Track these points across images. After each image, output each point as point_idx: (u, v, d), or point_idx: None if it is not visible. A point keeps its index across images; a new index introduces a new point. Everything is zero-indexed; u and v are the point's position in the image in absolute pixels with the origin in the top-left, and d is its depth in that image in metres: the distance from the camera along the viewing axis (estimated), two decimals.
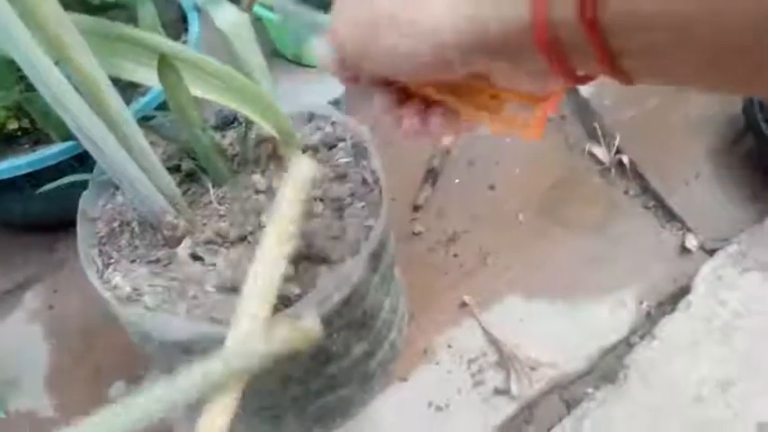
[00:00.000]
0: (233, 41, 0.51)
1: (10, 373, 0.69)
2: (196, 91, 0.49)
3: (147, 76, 0.48)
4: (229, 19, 0.51)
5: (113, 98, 0.45)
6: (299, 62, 1.04)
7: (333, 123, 0.60)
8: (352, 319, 0.50)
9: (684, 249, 0.72)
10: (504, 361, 0.63)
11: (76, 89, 0.43)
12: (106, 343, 0.69)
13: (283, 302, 0.46)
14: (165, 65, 0.45)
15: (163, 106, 0.71)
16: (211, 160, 0.55)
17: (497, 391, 0.62)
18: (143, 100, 0.69)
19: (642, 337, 0.64)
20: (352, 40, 0.31)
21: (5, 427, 0.64)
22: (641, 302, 0.68)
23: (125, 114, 0.46)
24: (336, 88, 0.99)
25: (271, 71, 0.55)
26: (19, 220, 0.81)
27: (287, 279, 0.48)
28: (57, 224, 0.80)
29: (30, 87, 0.41)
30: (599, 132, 0.86)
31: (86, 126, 0.43)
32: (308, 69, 1.03)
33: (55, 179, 0.68)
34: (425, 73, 0.30)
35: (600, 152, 0.84)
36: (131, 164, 0.47)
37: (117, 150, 0.45)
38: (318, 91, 0.99)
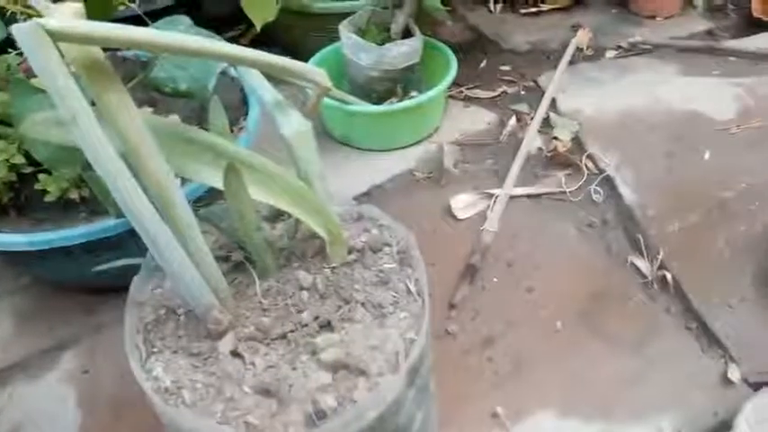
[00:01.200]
0: (294, 147, 0.54)
1: None
2: (256, 194, 0.51)
3: (210, 176, 0.51)
4: (294, 126, 0.53)
5: (178, 198, 0.47)
6: (347, 144, 1.07)
7: (380, 226, 0.61)
8: None
9: (726, 379, 0.69)
10: None
11: (141, 184, 0.45)
12: (136, 417, 0.70)
13: (318, 415, 0.46)
14: (232, 172, 0.47)
15: (210, 192, 0.74)
16: (261, 254, 0.56)
17: None
18: (191, 186, 0.72)
19: None
20: None
21: None
22: None
23: (187, 214, 0.48)
24: (381, 172, 1.02)
25: (319, 150, 0.56)
26: (65, 283, 0.83)
27: (324, 388, 0.48)
28: (100, 288, 0.82)
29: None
30: (642, 244, 0.86)
31: (146, 223, 0.45)
32: (356, 150, 1.07)
33: (108, 248, 0.71)
34: None
35: (642, 265, 0.83)
36: (185, 260, 0.48)
37: (173, 247, 0.47)
38: (364, 172, 1.02)
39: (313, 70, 0.54)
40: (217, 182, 0.50)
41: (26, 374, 0.77)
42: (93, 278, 0.76)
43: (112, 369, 0.76)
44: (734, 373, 0.69)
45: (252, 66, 0.53)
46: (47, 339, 0.81)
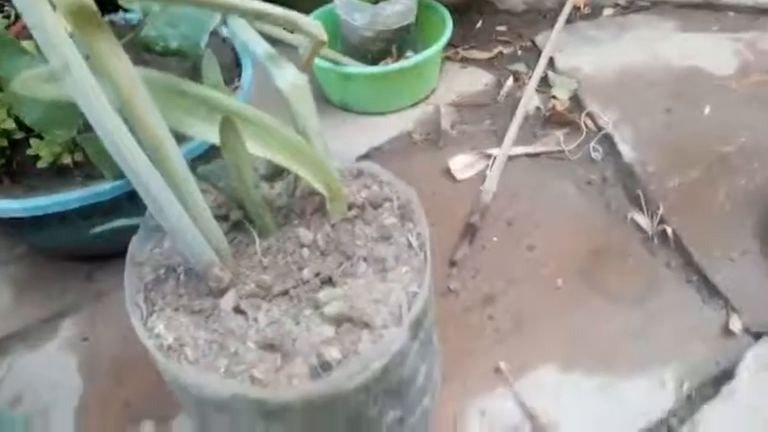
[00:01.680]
0: (291, 101, 0.52)
1: (40, 403, 0.70)
2: (253, 148, 0.50)
3: (206, 131, 0.50)
4: (289, 79, 0.52)
5: (174, 152, 0.46)
6: (344, 108, 1.06)
7: (380, 182, 0.60)
8: (389, 386, 0.49)
9: (728, 330, 0.70)
10: None
11: (137, 138, 0.44)
12: (138, 380, 0.70)
13: (323, 367, 0.45)
14: (228, 125, 0.46)
15: (209, 151, 0.73)
16: (260, 213, 0.55)
17: None
18: (190, 145, 0.71)
19: (682, 422, 0.62)
20: None
21: None
22: (681, 383, 0.66)
23: (183, 169, 0.47)
24: (379, 135, 1.01)
25: (318, 112, 0.55)
26: (62, 250, 0.83)
27: (328, 341, 0.48)
28: (98, 255, 0.81)
29: (87, 126, 0.43)
30: (642, 200, 0.85)
31: (144, 178, 0.44)
32: (353, 114, 1.05)
33: (104, 213, 0.70)
34: None
35: (642, 220, 0.83)
36: (185, 216, 0.47)
37: (172, 203, 0.46)
38: (362, 135, 1.01)
39: (308, 21, 0.52)
40: (213, 136, 0.49)
41: (25, 344, 0.77)
42: (90, 244, 0.75)
43: (112, 335, 0.76)
44: (735, 324, 0.70)
45: (245, 14, 0.52)
46: (45, 308, 0.80)
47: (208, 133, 0.49)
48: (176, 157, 0.46)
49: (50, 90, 0.48)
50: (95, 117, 0.41)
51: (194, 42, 0.64)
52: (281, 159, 0.52)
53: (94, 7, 0.41)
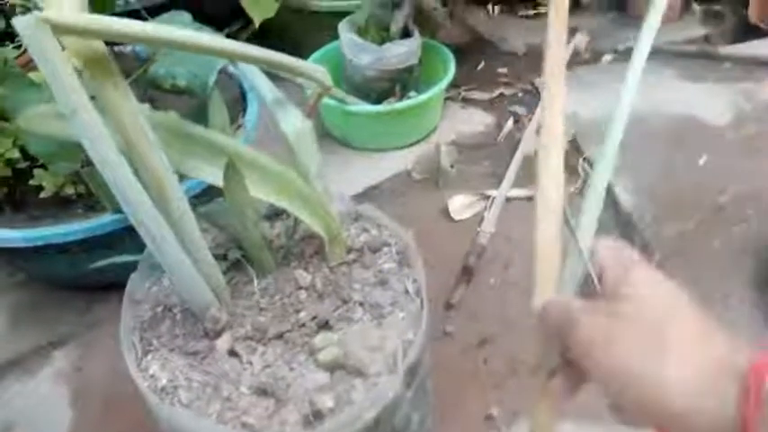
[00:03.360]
0: (294, 146, 0.53)
1: None
2: (255, 191, 0.50)
3: (209, 172, 0.50)
4: (294, 125, 0.53)
5: (176, 192, 0.47)
6: (346, 144, 1.07)
7: (379, 226, 0.61)
8: None
9: None
10: None
11: (139, 178, 0.44)
12: (130, 415, 0.69)
13: (316, 416, 0.45)
14: (232, 169, 0.47)
15: (209, 190, 0.73)
16: (259, 253, 0.56)
17: None
18: (188, 184, 0.71)
19: None
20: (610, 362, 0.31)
21: None
22: None
23: (185, 210, 0.47)
24: (379, 172, 1.02)
25: (319, 150, 0.56)
26: (61, 280, 0.83)
27: (321, 388, 0.48)
28: (96, 285, 0.81)
29: (90, 161, 0.43)
30: (638, 248, 0.86)
31: (144, 219, 0.45)
32: (353, 150, 1.06)
33: (104, 246, 0.71)
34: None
35: None
36: (183, 256, 0.48)
37: (171, 242, 0.46)
38: (362, 172, 1.02)
39: (314, 68, 0.54)
40: (216, 179, 0.49)
41: (19, 372, 0.76)
42: (89, 276, 0.75)
43: (106, 367, 0.75)
44: None
45: (253, 62, 0.53)
46: (40, 337, 0.80)
47: (211, 175, 0.50)
48: (178, 196, 0.47)
49: (57, 126, 0.49)
50: (98, 156, 0.41)
51: (203, 81, 0.65)
52: (282, 202, 0.52)
53: (104, 50, 0.41)
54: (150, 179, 0.46)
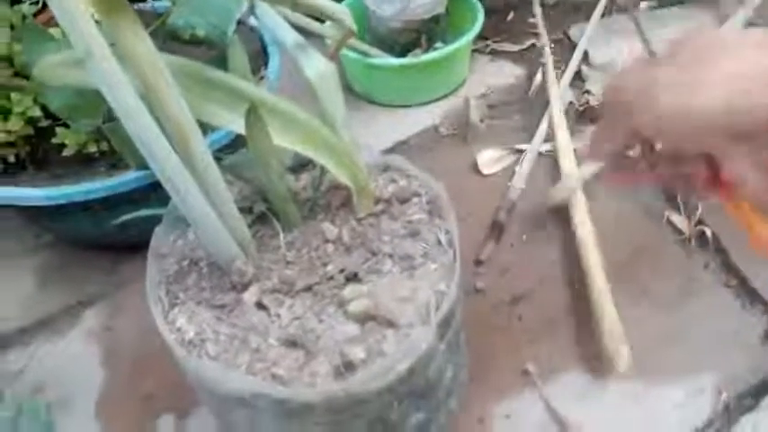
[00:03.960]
0: (319, 91, 0.51)
1: (62, 393, 0.69)
2: (279, 139, 0.48)
3: (231, 120, 0.48)
4: (317, 68, 0.51)
5: (199, 142, 0.45)
6: (370, 100, 1.04)
7: (408, 177, 0.58)
8: (414, 388, 0.47)
9: None
10: None
11: (161, 127, 0.43)
12: (160, 372, 0.69)
13: (347, 367, 0.44)
14: (254, 115, 0.45)
15: (233, 143, 0.72)
16: (284, 205, 0.54)
17: None
18: (213, 136, 0.70)
19: None
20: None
21: None
22: (719, 393, 0.63)
23: (208, 160, 0.46)
24: (406, 128, 0.99)
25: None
26: (86, 240, 0.83)
27: (352, 340, 0.46)
28: (122, 245, 0.81)
29: (112, 115, 0.42)
30: (679, 200, 0.82)
31: (168, 170, 0.43)
32: (379, 106, 1.03)
33: (127, 203, 0.70)
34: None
35: (680, 221, 0.80)
36: (208, 208, 0.46)
37: (196, 195, 0.45)
38: (388, 128, 0.99)
39: (338, 8, 0.51)
40: (238, 126, 0.47)
41: (48, 333, 0.77)
42: (114, 235, 0.75)
43: (135, 326, 0.75)
44: None
45: (275, 1, 0.50)
46: (69, 297, 0.80)
47: (233, 123, 0.48)
48: (201, 146, 0.45)
49: (75, 76, 0.47)
50: (119, 104, 0.40)
51: (222, 31, 0.62)
52: (308, 151, 0.50)
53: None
54: (172, 128, 0.44)
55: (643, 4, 1.21)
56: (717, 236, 0.77)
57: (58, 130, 0.70)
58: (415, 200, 0.56)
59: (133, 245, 0.79)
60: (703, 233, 0.77)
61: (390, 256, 0.52)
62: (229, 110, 0.48)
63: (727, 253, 0.75)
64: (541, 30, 1.12)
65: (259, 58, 0.83)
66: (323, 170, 0.55)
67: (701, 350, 0.67)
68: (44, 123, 0.71)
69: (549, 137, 0.93)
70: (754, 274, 0.73)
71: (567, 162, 0.87)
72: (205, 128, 0.71)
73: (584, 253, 0.73)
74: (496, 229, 0.82)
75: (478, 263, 0.78)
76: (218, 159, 0.48)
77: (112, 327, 0.76)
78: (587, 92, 1.00)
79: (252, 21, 0.84)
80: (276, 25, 0.55)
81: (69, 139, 0.70)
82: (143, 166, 0.68)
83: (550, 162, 0.90)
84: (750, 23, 1.09)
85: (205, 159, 0.46)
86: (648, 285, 0.73)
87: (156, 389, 0.68)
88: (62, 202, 0.67)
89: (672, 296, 0.72)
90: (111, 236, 0.76)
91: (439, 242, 0.53)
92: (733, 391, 0.63)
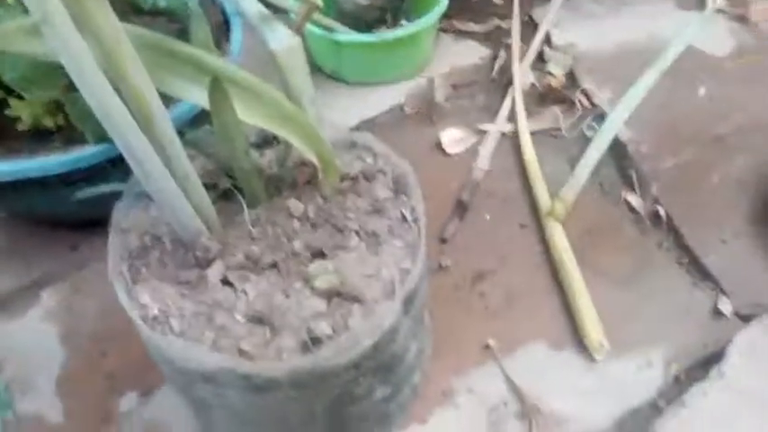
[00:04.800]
0: (284, 64, 0.50)
1: (22, 373, 0.68)
2: (243, 114, 0.48)
3: (194, 93, 0.47)
4: (282, 41, 0.50)
5: (161, 115, 0.44)
6: (336, 77, 1.03)
7: (374, 154, 0.59)
8: (379, 362, 0.48)
9: (717, 313, 0.70)
10: (526, 413, 0.62)
11: (123, 100, 0.42)
12: (122, 350, 0.68)
13: (313, 342, 0.44)
14: (217, 88, 0.44)
15: (197, 118, 0.70)
16: (249, 182, 0.54)
17: None
18: (176, 110, 0.68)
19: (670, 403, 0.62)
20: None
21: (12, 430, 0.63)
22: (669, 364, 0.66)
23: (171, 132, 0.45)
24: (371, 107, 0.99)
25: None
26: (43, 217, 0.80)
27: (318, 315, 0.47)
28: (80, 222, 0.79)
29: (70, 87, 0.40)
30: (635, 180, 0.84)
31: (130, 141, 0.42)
32: (344, 84, 1.03)
33: (86, 179, 0.68)
34: None
35: (635, 201, 0.82)
36: (171, 182, 0.46)
37: (159, 169, 0.44)
38: (354, 106, 0.99)
39: None
40: (201, 99, 0.47)
41: (6, 312, 0.75)
42: (73, 212, 0.73)
43: (96, 305, 0.74)
44: (725, 306, 0.70)
45: None
46: (26, 276, 0.78)
47: (196, 96, 0.47)
48: (164, 119, 0.44)
49: (31, 44, 0.45)
50: (78, 73, 0.38)
51: (183, 1, 0.61)
52: (273, 126, 0.50)
53: None
54: (133, 97, 0.43)
55: None
56: (670, 215, 0.79)
57: (12, 102, 0.68)
58: (381, 177, 0.57)
59: (92, 222, 0.77)
60: (657, 213, 0.80)
61: (356, 232, 0.53)
62: (193, 82, 0.47)
63: (681, 232, 0.78)
64: (516, 11, 1.13)
65: (221, 31, 0.82)
66: (288, 145, 0.55)
67: (653, 325, 0.69)
68: None
69: (512, 117, 0.94)
70: (706, 252, 0.76)
71: (528, 144, 0.89)
72: (166, 102, 0.70)
73: (552, 237, 0.75)
74: (460, 208, 0.83)
75: (442, 241, 0.79)
76: (180, 134, 0.47)
77: (72, 306, 0.74)
78: (549, 73, 1.01)
79: None
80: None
81: (24, 112, 0.68)
82: (101, 139, 0.67)
83: (513, 142, 0.92)
84: (719, 11, 1.12)
85: (168, 133, 0.45)
86: (603, 262, 0.76)
87: (119, 367, 0.68)
88: (18, 177, 0.65)
89: (626, 274, 0.75)
90: (69, 213, 0.75)
91: (404, 219, 0.53)
92: (683, 363, 0.66)
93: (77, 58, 0.38)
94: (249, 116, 0.49)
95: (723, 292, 0.72)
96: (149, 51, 0.46)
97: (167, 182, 0.45)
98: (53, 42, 0.37)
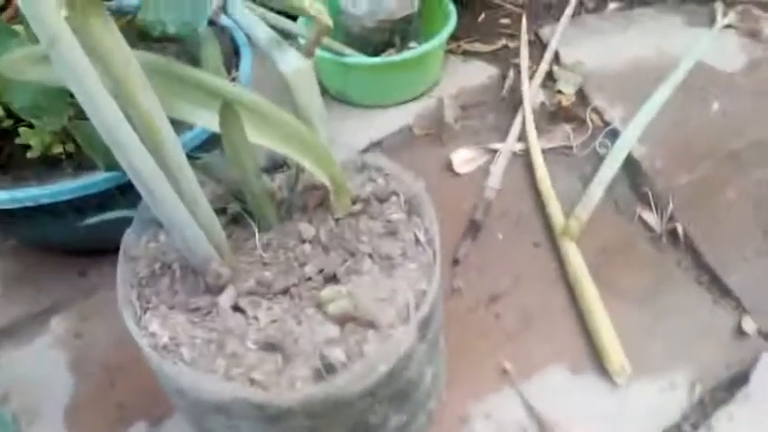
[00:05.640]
0: (295, 88, 0.50)
1: (30, 401, 0.67)
2: (254, 137, 0.47)
3: (205, 118, 0.47)
4: (293, 65, 0.50)
5: (171, 140, 0.44)
6: (344, 100, 1.03)
7: (386, 175, 0.58)
8: (395, 389, 0.47)
9: (740, 332, 0.68)
10: None
11: (132, 126, 0.41)
12: (131, 380, 0.67)
13: (327, 369, 0.43)
14: (228, 110, 0.44)
15: (207, 143, 0.70)
16: (260, 206, 0.53)
17: None
18: (187, 135, 0.68)
19: (696, 427, 0.60)
20: None
21: None
22: (693, 386, 0.64)
23: (180, 158, 0.44)
24: (379, 128, 0.98)
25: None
26: (53, 244, 0.80)
27: (332, 342, 0.45)
28: (90, 249, 0.79)
29: (79, 114, 0.40)
30: (650, 197, 0.83)
31: (140, 168, 0.42)
32: (352, 107, 1.03)
33: (95, 205, 0.68)
34: None
35: (651, 219, 0.81)
36: (181, 208, 0.45)
37: (168, 194, 0.43)
38: (362, 129, 0.98)
39: (313, 5, 0.50)
40: (212, 124, 0.46)
41: (14, 340, 0.74)
42: (83, 239, 0.73)
43: (105, 333, 0.73)
44: (749, 325, 0.68)
45: None
46: (35, 304, 0.77)
47: (206, 120, 0.47)
48: (174, 144, 0.44)
49: (40, 72, 0.45)
50: (86, 98, 0.38)
51: (193, 28, 0.61)
52: (284, 149, 0.49)
53: None
54: (143, 123, 0.43)
55: (611, 5, 1.23)
56: (688, 233, 0.78)
57: (22, 130, 0.68)
58: (394, 199, 0.56)
59: (101, 249, 0.77)
60: (675, 230, 0.78)
61: (369, 255, 0.52)
62: (203, 107, 0.46)
63: (699, 250, 0.77)
64: (523, 31, 1.13)
65: (231, 58, 0.82)
66: (299, 168, 0.55)
67: (674, 346, 0.67)
68: (7, 124, 0.69)
69: (523, 136, 0.94)
70: (726, 270, 0.74)
71: (539, 162, 0.88)
72: (177, 128, 0.70)
73: (567, 256, 0.74)
74: (473, 229, 0.82)
75: (455, 262, 0.78)
76: (190, 159, 0.47)
77: (81, 334, 0.73)
78: (559, 92, 1.01)
79: (223, 20, 0.83)
80: (249, 22, 0.54)
81: (33, 140, 0.68)
82: (111, 167, 0.66)
83: (524, 161, 0.91)
84: (729, 26, 1.12)
85: (178, 158, 0.44)
86: (621, 282, 0.74)
87: (128, 396, 0.66)
88: (28, 204, 0.64)
89: (644, 293, 0.73)
90: (78, 240, 0.74)
91: (418, 241, 0.52)
92: (707, 384, 0.64)
93: (86, 83, 0.37)
94: (260, 139, 0.48)
95: (745, 310, 0.70)
96: (159, 76, 0.45)
97: (177, 207, 0.45)
98: (61, 68, 0.36)
